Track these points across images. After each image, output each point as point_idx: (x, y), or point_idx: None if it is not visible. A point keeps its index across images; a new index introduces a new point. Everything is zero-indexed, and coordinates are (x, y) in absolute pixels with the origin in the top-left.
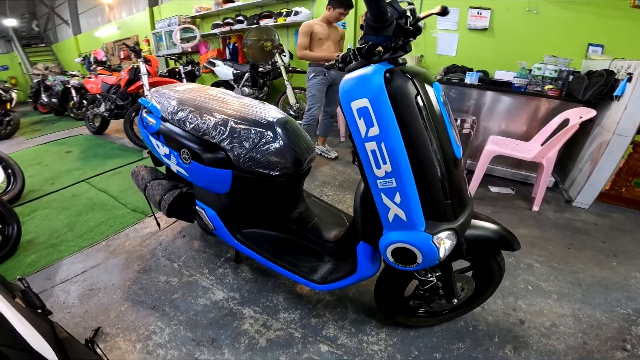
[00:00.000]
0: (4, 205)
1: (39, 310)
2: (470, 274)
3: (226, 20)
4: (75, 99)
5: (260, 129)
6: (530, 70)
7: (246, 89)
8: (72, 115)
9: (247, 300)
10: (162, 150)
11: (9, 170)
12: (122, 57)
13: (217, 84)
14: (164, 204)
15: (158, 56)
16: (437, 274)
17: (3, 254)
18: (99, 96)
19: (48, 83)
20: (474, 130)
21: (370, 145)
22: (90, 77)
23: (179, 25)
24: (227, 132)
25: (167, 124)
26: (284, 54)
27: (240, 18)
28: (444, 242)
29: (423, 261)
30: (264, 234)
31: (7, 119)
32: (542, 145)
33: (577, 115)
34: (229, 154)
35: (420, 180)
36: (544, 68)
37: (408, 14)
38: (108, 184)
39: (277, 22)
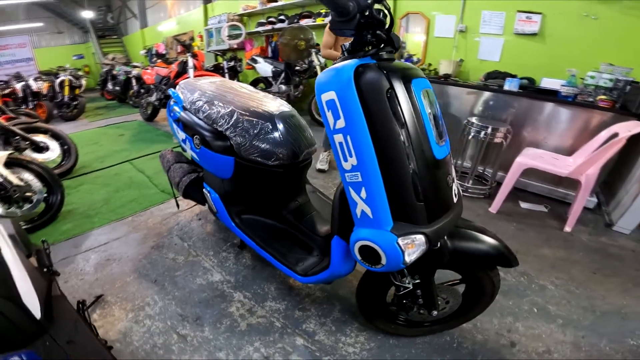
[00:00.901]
0: (53, 177)
1: (45, 270)
2: (461, 287)
3: (269, 19)
4: (134, 88)
5: (262, 121)
6: (582, 79)
7: (282, 86)
8: (130, 102)
9: (240, 285)
10: (180, 135)
11: (65, 147)
12: (178, 51)
13: (258, 81)
14: (181, 186)
15: (208, 52)
16: (416, 281)
17: (44, 220)
18: (152, 86)
19: (114, 73)
20: (507, 141)
21: (338, 138)
22: (147, 69)
23: (227, 22)
24: (231, 122)
25: (186, 113)
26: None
27: (282, 17)
28: (412, 246)
29: (387, 263)
30: (260, 221)
31: (75, 102)
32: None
33: (627, 129)
34: (232, 142)
35: (387, 177)
36: (599, 77)
37: (378, 7)
38: (147, 166)
39: (315, 22)
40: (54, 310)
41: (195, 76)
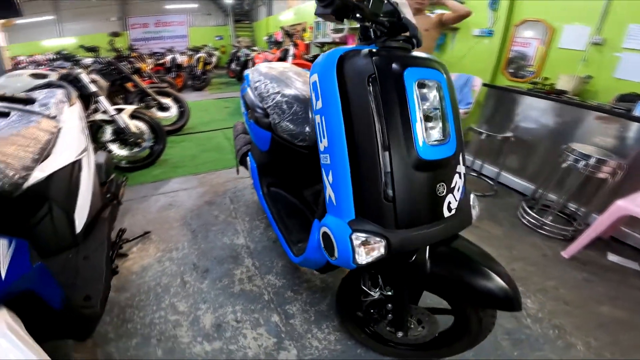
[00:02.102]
0: (162, 132)
1: (110, 198)
2: (448, 318)
3: None
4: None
5: (297, 103)
6: None
7: None
8: None
9: (255, 254)
10: (243, 109)
11: (182, 110)
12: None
13: None
14: (239, 153)
15: (313, 43)
16: (388, 293)
17: (144, 164)
18: None
19: (238, 54)
20: (616, 178)
21: (317, 118)
22: (260, 54)
23: None
24: (274, 102)
25: (249, 90)
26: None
27: None
28: (367, 247)
29: (338, 257)
30: (283, 197)
31: (204, 76)
32: None
33: None
34: (270, 119)
35: (356, 166)
36: None
37: None
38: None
39: None
40: (94, 230)
41: (293, 63)
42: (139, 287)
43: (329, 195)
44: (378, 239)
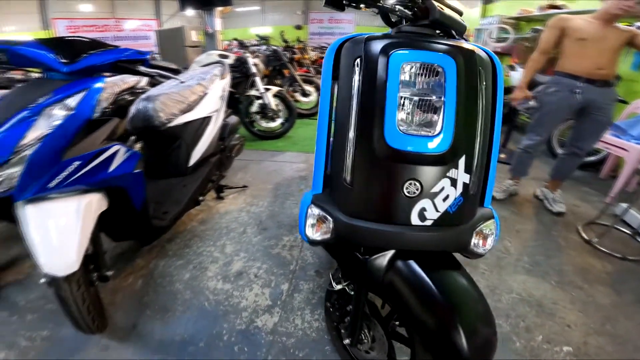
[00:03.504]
0: (293, 112)
1: (224, 151)
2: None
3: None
4: None
5: None
6: None
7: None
8: None
9: None
10: None
11: None
12: None
13: (508, 90)
14: None
15: None
16: (351, 293)
17: (273, 135)
18: None
19: None
20: None
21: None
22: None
23: (497, 24)
24: None
25: None
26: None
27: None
28: (318, 223)
29: (299, 227)
30: None
31: None
32: None
33: None
34: None
35: (333, 144)
36: None
37: None
38: None
39: None
40: (200, 168)
41: None
42: (214, 224)
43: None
44: (330, 219)
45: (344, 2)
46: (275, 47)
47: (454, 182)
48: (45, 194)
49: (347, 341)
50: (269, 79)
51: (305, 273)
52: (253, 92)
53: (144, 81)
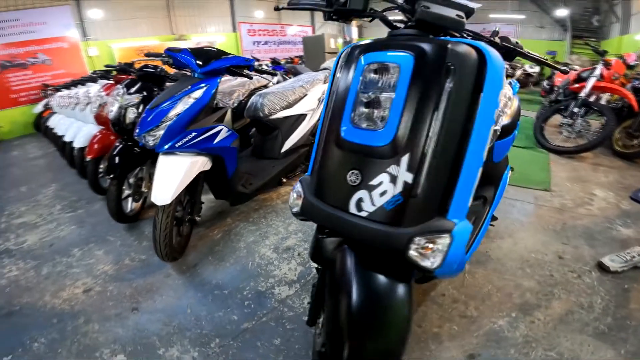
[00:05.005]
0: None
1: None
2: None
3: None
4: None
5: None
6: None
7: None
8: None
9: None
10: None
11: None
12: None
13: None
14: None
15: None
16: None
17: None
18: (556, 87)
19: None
20: None
21: None
22: (568, 72)
23: None
24: None
25: None
26: None
27: None
28: (296, 196)
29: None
30: None
31: None
32: None
33: None
34: None
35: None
36: None
37: None
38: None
39: None
40: (289, 156)
41: (595, 86)
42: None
43: None
44: (302, 197)
45: (333, 17)
46: None
47: (393, 179)
48: (173, 150)
49: (305, 318)
50: None
51: None
52: None
53: (275, 80)
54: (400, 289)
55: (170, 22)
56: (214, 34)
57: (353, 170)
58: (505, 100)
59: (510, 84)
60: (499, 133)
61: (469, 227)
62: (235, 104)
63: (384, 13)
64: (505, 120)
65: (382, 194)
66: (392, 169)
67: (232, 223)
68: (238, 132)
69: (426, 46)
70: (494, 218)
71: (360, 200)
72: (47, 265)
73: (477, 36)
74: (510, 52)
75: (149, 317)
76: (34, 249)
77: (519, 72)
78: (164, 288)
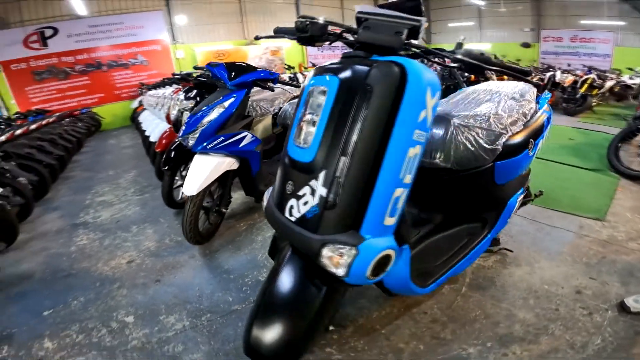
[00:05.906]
0: None
1: None
2: None
3: None
4: None
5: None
6: None
7: None
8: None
9: None
10: None
11: None
12: None
13: None
14: None
15: None
16: None
17: None
18: None
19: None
20: None
21: None
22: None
23: None
24: None
25: None
26: None
27: None
28: (267, 203)
29: None
30: None
31: (582, 101)
32: None
33: None
34: None
35: None
36: None
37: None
38: (551, 172)
39: None
40: None
41: None
42: None
43: None
44: (266, 201)
45: (300, 43)
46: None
47: (313, 192)
48: (206, 151)
49: None
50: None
51: None
52: None
53: None
54: (316, 290)
55: (243, 27)
56: (281, 39)
57: (289, 181)
58: (515, 118)
59: (536, 99)
60: (498, 152)
61: (385, 245)
62: (276, 111)
63: (344, 35)
64: (514, 138)
65: (305, 203)
66: (313, 182)
67: (258, 218)
68: (277, 137)
69: (350, 69)
70: (494, 242)
71: (292, 207)
72: (109, 238)
73: (428, 52)
74: (474, 66)
75: (165, 289)
76: (105, 224)
77: (609, 84)
78: (186, 267)
